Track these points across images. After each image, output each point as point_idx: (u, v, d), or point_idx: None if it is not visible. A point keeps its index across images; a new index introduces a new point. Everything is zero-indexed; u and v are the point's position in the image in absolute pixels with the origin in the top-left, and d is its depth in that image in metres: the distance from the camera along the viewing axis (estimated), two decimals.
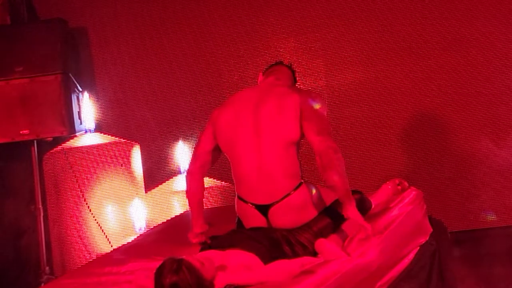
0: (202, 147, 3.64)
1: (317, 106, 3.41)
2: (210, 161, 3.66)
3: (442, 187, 5.05)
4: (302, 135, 3.40)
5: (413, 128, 5.29)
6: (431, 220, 3.88)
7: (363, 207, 3.47)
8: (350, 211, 3.17)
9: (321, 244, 3.19)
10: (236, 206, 3.56)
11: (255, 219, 3.46)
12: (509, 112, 5.06)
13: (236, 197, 3.52)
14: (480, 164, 5.10)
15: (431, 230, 3.80)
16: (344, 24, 5.34)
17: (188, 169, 3.73)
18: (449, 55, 5.15)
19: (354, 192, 3.40)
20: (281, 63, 3.81)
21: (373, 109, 5.27)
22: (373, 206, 3.65)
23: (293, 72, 3.81)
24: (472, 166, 5.13)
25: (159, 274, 2.86)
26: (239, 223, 3.63)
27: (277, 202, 3.39)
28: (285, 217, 3.41)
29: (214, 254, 3.05)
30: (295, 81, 3.78)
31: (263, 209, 3.42)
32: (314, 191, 3.45)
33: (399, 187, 3.87)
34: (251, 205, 3.44)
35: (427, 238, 3.75)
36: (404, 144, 5.23)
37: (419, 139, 5.26)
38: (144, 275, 3.09)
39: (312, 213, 3.41)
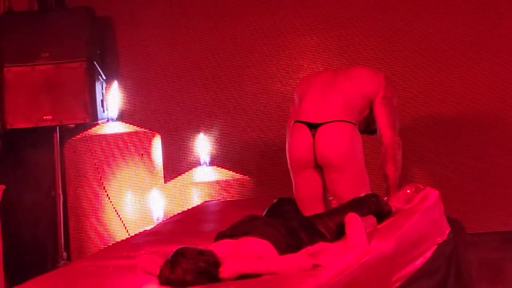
0: (292, 114, 3.89)
1: (394, 98, 3.74)
2: None
3: (462, 188, 5.00)
4: (370, 104, 3.74)
5: (431, 127, 5.29)
6: (449, 219, 3.88)
7: (377, 207, 3.54)
8: (393, 199, 3.58)
9: (353, 218, 3.24)
10: (288, 132, 3.83)
11: (302, 139, 3.70)
12: None
13: (292, 124, 3.79)
14: (501, 164, 5.04)
15: (449, 229, 3.80)
16: (365, 22, 5.33)
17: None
18: (469, 56, 5.12)
19: (370, 194, 3.60)
20: None
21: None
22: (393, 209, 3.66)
23: None
24: (492, 166, 5.07)
25: (168, 262, 2.88)
26: (274, 207, 3.69)
27: (327, 122, 3.66)
28: (330, 140, 3.65)
29: (227, 244, 3.06)
30: None
31: (314, 128, 3.70)
32: (359, 140, 3.74)
33: (412, 193, 3.89)
34: (304, 124, 3.69)
35: (445, 237, 3.75)
36: (423, 143, 5.21)
37: (439, 138, 5.22)
38: (155, 260, 3.10)
39: (354, 154, 3.69)
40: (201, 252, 2.86)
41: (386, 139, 3.69)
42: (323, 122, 3.68)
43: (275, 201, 3.80)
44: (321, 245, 3.10)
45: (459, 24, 5.18)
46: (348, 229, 3.18)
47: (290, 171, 3.78)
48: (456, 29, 5.18)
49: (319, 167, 3.69)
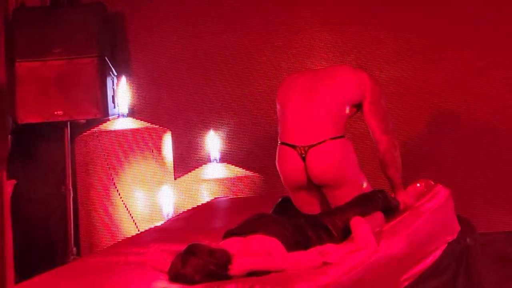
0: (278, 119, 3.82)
1: (382, 99, 3.68)
2: None
3: (474, 187, 5.00)
4: (356, 107, 3.66)
5: (447, 127, 5.28)
6: (460, 219, 3.90)
7: (389, 205, 3.57)
8: (401, 194, 3.63)
9: (358, 222, 3.23)
10: (277, 153, 3.69)
11: (293, 164, 3.59)
12: None
13: (278, 144, 3.66)
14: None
15: (459, 228, 3.81)
16: (379, 20, 5.30)
17: None
18: (489, 53, 5.09)
19: (377, 190, 3.62)
20: None
21: (405, 107, 5.25)
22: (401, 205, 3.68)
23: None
24: (503, 167, 5.07)
25: (178, 259, 2.92)
26: (279, 206, 3.71)
27: (316, 144, 3.54)
28: (321, 161, 3.55)
29: (235, 242, 3.09)
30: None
31: (303, 153, 3.59)
32: (352, 151, 3.65)
33: (423, 189, 3.91)
34: (291, 147, 3.58)
35: (455, 236, 3.77)
36: (437, 141, 5.22)
37: (453, 137, 5.21)
38: (164, 258, 3.15)
39: (348, 169, 3.60)
40: (212, 253, 2.88)
41: (382, 145, 3.68)
42: (312, 144, 3.61)
43: (280, 199, 3.81)
44: (330, 246, 3.15)
45: (477, 21, 5.14)
46: (355, 234, 3.20)
47: (286, 189, 3.77)
48: (472, 25, 5.14)
49: (312, 185, 3.66)
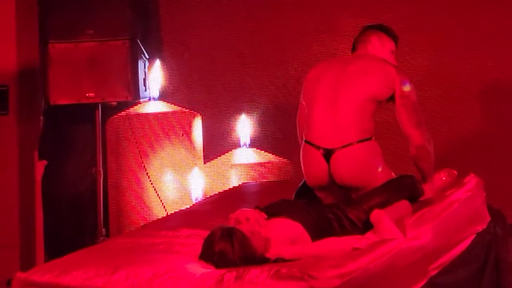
0: (300, 114, 3.77)
1: (412, 92, 3.60)
2: None
3: (506, 177, 4.96)
4: (383, 102, 3.60)
5: (478, 116, 5.27)
6: (490, 209, 3.88)
7: (416, 193, 3.56)
8: (429, 187, 3.61)
9: (378, 216, 3.21)
10: (301, 151, 3.64)
11: (317, 166, 3.55)
12: None
13: (303, 142, 3.61)
14: None
15: (489, 218, 3.81)
16: (411, 7, 5.25)
17: (299, 138, 3.86)
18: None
19: (405, 176, 3.60)
20: (373, 27, 3.87)
21: (436, 95, 5.27)
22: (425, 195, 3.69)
23: (391, 33, 3.84)
24: None
25: (210, 241, 2.93)
26: (300, 191, 3.71)
27: (342, 147, 3.48)
28: (346, 166, 3.50)
29: (259, 218, 3.13)
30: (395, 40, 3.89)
31: (327, 155, 3.52)
32: (379, 153, 3.56)
33: (448, 179, 3.90)
34: (316, 148, 3.53)
35: (485, 226, 3.77)
36: (468, 131, 5.23)
37: (485, 127, 5.19)
38: (193, 242, 3.20)
39: (374, 174, 3.51)
40: (246, 238, 2.92)
41: (415, 141, 3.59)
42: (337, 147, 3.54)
43: (302, 182, 3.79)
44: (357, 236, 3.15)
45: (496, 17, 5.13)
46: (377, 228, 3.20)
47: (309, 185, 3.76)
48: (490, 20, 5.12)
49: (335, 185, 3.64)
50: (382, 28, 3.84)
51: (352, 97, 3.54)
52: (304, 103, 3.70)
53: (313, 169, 3.58)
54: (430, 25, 5.22)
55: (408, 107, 3.56)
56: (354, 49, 3.89)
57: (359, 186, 3.53)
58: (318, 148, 3.52)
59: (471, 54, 5.20)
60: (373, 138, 3.51)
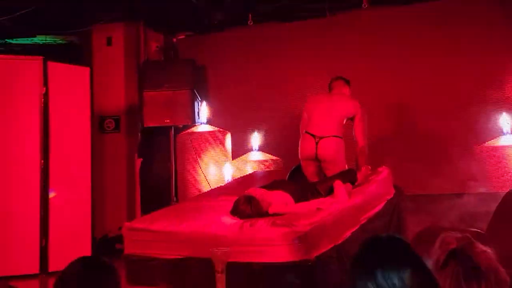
0: (302, 122, 4.68)
1: (364, 116, 4.48)
2: None
3: (403, 168, 5.40)
4: (349, 119, 4.45)
5: (388, 131, 5.97)
6: (395, 186, 4.59)
7: (352, 178, 4.36)
8: (360, 174, 4.34)
9: (338, 185, 3.90)
10: (301, 137, 4.45)
11: (309, 146, 4.39)
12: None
13: (304, 133, 4.42)
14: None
15: (394, 191, 4.52)
16: (360, 65, 6.00)
17: (300, 133, 4.64)
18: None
19: (350, 169, 4.46)
20: (339, 78, 4.82)
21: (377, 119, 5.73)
22: (358, 179, 4.41)
23: (348, 82, 4.83)
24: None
25: (236, 203, 3.55)
26: (292, 174, 4.60)
27: (325, 137, 4.41)
28: (326, 147, 4.34)
29: (265, 191, 3.73)
30: (349, 85, 4.83)
31: (317, 139, 4.37)
32: (343, 146, 4.35)
33: (369, 172, 4.58)
34: (311, 136, 4.39)
35: (392, 196, 4.42)
36: (383, 143, 5.90)
37: (391, 138, 5.92)
38: (226, 204, 3.70)
39: (338, 156, 4.34)
40: (258, 203, 3.49)
41: (361, 143, 4.58)
42: (323, 136, 4.47)
43: (293, 167, 4.73)
44: (321, 200, 3.81)
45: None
46: (335, 190, 3.91)
47: (300, 160, 4.62)
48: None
49: (317, 160, 4.54)
50: (342, 78, 4.97)
51: (335, 114, 4.52)
52: (306, 115, 4.61)
53: (308, 147, 4.44)
54: (370, 75, 6.03)
55: (362, 124, 4.60)
56: (330, 88, 4.85)
57: (330, 160, 4.44)
58: (314, 136, 4.44)
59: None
60: (342, 138, 4.48)
